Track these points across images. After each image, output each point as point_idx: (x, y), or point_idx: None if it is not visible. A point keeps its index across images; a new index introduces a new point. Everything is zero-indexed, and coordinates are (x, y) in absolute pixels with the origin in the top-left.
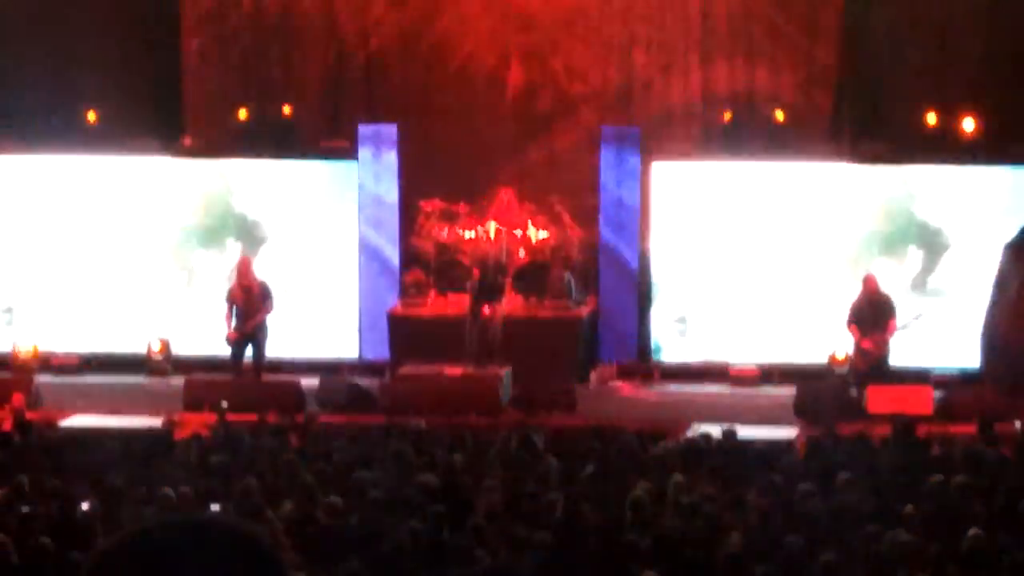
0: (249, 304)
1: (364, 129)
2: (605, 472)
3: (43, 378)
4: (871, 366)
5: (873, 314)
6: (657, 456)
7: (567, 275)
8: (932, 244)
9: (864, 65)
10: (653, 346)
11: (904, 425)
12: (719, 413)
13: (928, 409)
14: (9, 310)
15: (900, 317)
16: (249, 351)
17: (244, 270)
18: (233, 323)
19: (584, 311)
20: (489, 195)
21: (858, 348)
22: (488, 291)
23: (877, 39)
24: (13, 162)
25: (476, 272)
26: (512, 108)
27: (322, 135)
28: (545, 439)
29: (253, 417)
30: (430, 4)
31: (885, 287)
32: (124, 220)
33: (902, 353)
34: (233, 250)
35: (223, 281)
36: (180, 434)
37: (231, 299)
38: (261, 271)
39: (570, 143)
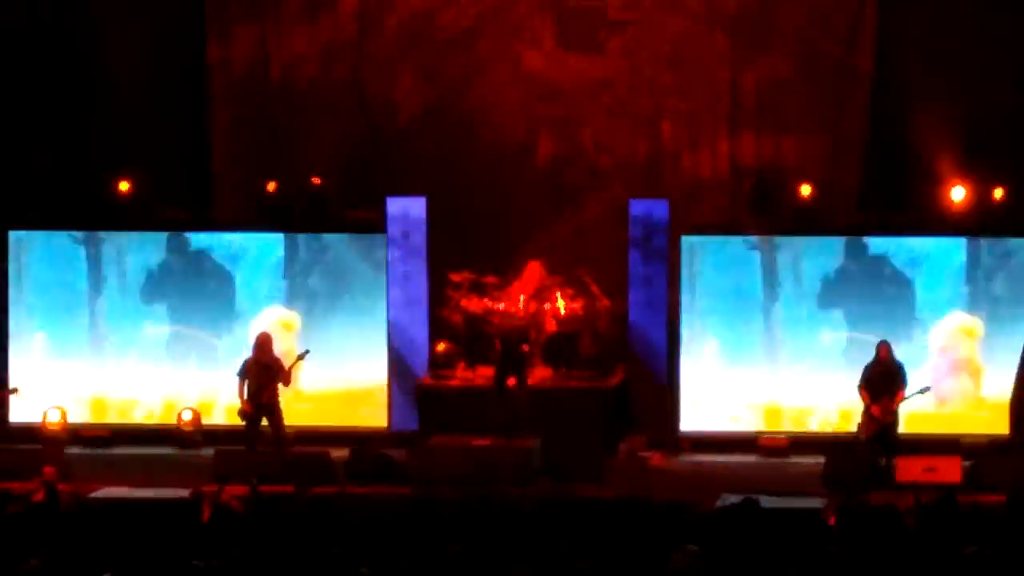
0: (263, 379)
1: (393, 202)
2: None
3: (73, 450)
4: (877, 433)
5: (883, 382)
6: (687, 525)
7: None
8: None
9: (893, 137)
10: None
11: (946, 494)
12: (748, 483)
13: (957, 478)
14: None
15: (908, 388)
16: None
17: (264, 345)
18: (247, 395)
19: (612, 382)
20: (518, 266)
21: (867, 412)
22: (514, 362)
23: (907, 111)
24: (43, 236)
25: (498, 344)
26: (541, 180)
27: (351, 207)
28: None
29: (283, 488)
30: (459, 76)
31: (897, 356)
32: (155, 291)
33: (930, 421)
34: (262, 320)
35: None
36: (209, 505)
37: (245, 372)
38: (294, 341)
39: (598, 215)
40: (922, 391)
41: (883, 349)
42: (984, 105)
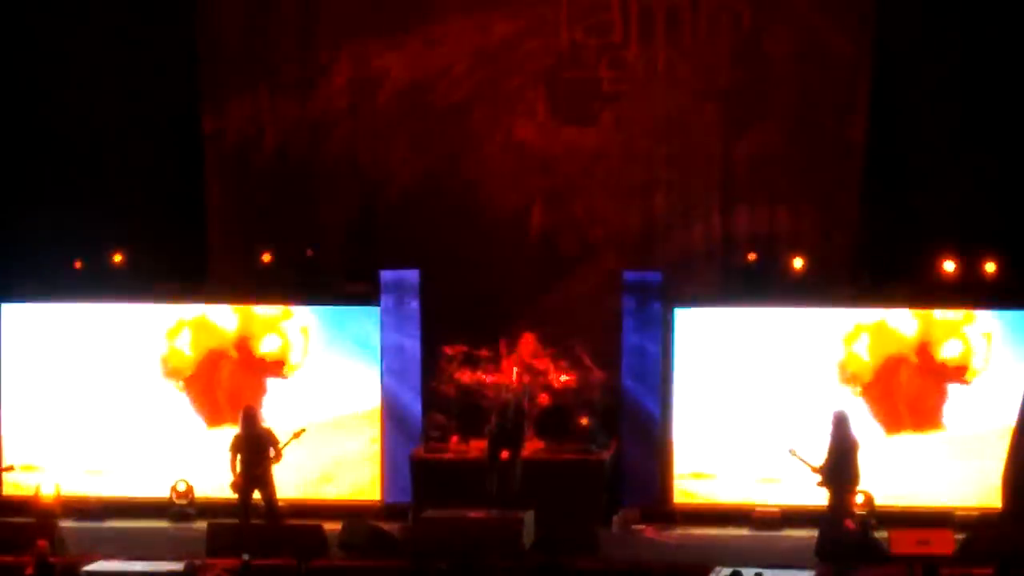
0: (254, 451)
1: (386, 274)
2: None
3: (66, 523)
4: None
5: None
6: None
7: (593, 421)
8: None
9: (885, 209)
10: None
11: (928, 568)
12: (742, 556)
13: (950, 550)
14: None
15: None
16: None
17: (250, 419)
18: (238, 469)
19: (606, 454)
20: (511, 339)
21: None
22: (507, 435)
23: (899, 183)
24: (36, 309)
25: (493, 417)
26: (534, 252)
27: (344, 279)
28: None
29: (276, 561)
30: (452, 148)
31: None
32: (147, 364)
33: (923, 494)
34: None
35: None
36: None
37: (235, 447)
38: (285, 413)
39: (592, 287)
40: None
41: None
42: (978, 178)
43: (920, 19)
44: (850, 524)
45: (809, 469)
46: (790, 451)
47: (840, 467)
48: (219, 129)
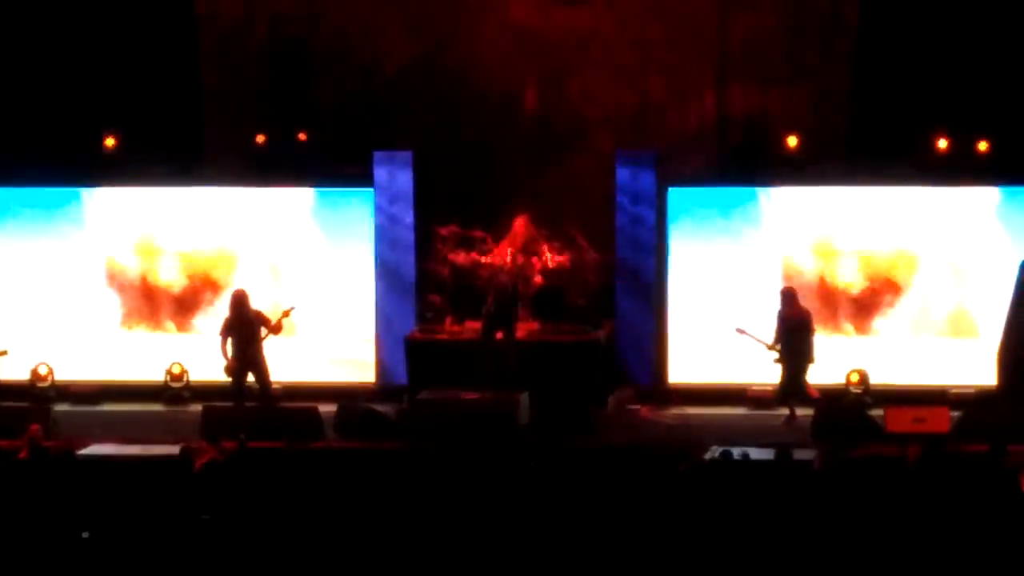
0: (245, 335)
1: (379, 155)
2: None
3: (61, 407)
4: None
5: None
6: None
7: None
8: (948, 265)
9: (879, 88)
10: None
11: (931, 444)
12: (736, 435)
13: (945, 428)
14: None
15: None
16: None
17: (240, 302)
18: (230, 353)
19: (601, 335)
20: (505, 219)
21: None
22: (502, 316)
23: (891, 62)
24: (31, 193)
25: (488, 297)
26: (527, 132)
27: (338, 162)
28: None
29: (271, 444)
30: (445, 30)
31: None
32: (141, 247)
33: (919, 373)
34: (250, 275)
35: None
36: (199, 461)
37: (226, 330)
38: (280, 296)
39: (585, 167)
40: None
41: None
42: (969, 56)
43: None
44: (813, 393)
45: (764, 346)
46: (738, 330)
47: (792, 342)
48: (212, 12)
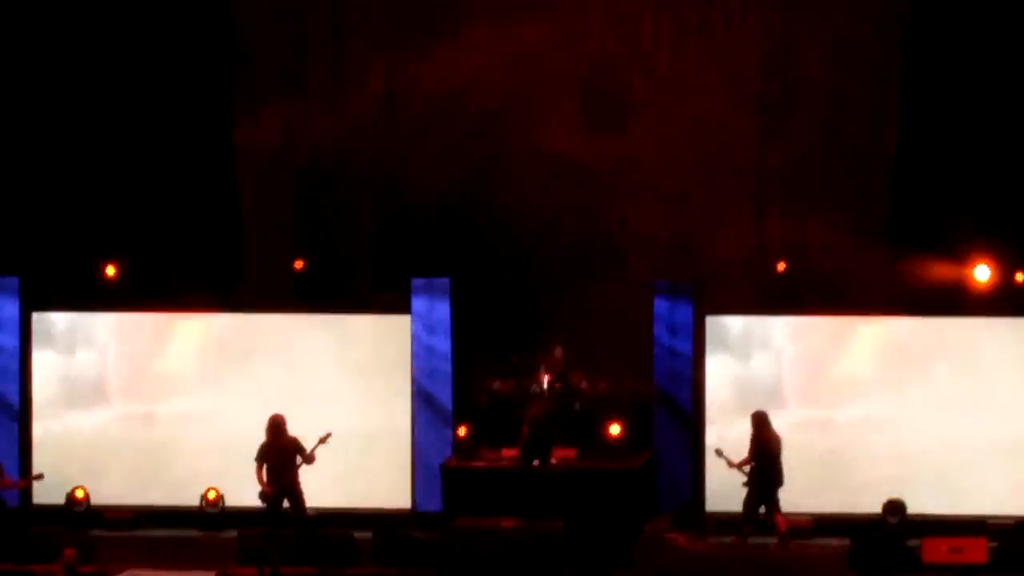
0: (281, 461)
1: (417, 282)
2: None
3: (96, 531)
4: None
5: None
6: None
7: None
8: (986, 394)
9: (917, 215)
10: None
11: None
12: (773, 565)
13: (983, 558)
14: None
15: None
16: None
17: (277, 428)
18: (266, 479)
19: (638, 463)
20: (543, 347)
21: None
22: (539, 444)
23: (930, 190)
24: (73, 318)
25: (525, 428)
26: (565, 260)
27: (376, 288)
28: None
29: (307, 570)
30: (486, 158)
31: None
32: (185, 372)
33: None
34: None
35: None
36: None
37: (262, 456)
38: (318, 422)
39: (623, 295)
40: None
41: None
42: (1008, 185)
43: (953, 26)
44: (782, 525)
45: (734, 467)
46: (716, 451)
47: (763, 467)
48: (250, 137)
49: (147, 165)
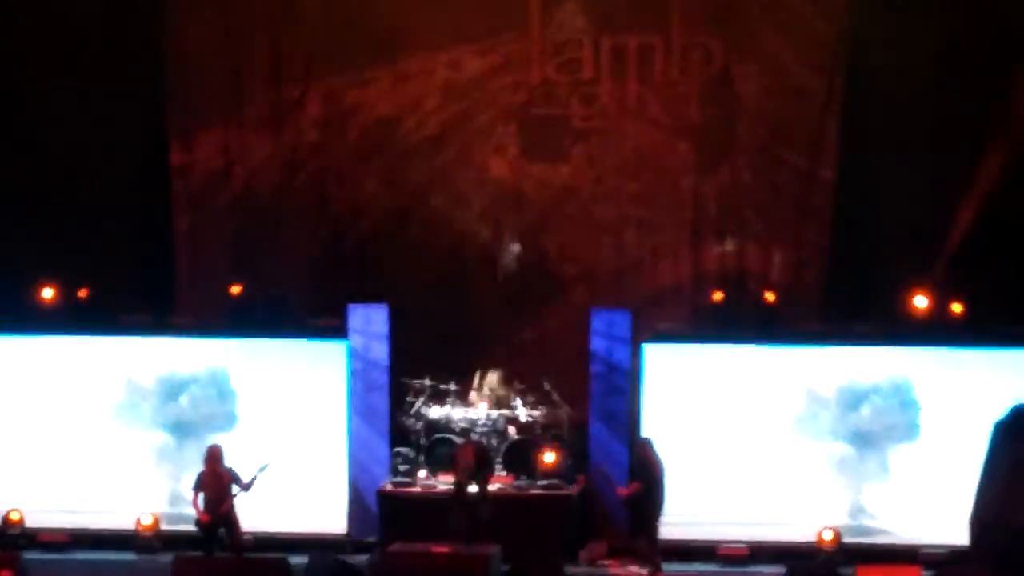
0: (218, 490)
1: (354, 308)
2: None
3: (30, 555)
4: None
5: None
6: None
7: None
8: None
9: (855, 246)
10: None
11: None
12: None
13: None
14: None
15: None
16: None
17: (214, 458)
18: (202, 507)
19: (574, 490)
20: (480, 373)
21: None
22: (475, 470)
23: (868, 220)
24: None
25: (463, 452)
26: (503, 287)
27: (313, 314)
28: None
29: None
30: (422, 183)
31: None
32: (117, 398)
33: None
34: (224, 428)
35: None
36: None
37: (200, 485)
38: (251, 448)
39: (561, 323)
40: (261, 470)
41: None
42: (947, 216)
43: (891, 55)
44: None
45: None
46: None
47: (645, 493)
48: (187, 162)
49: (82, 188)
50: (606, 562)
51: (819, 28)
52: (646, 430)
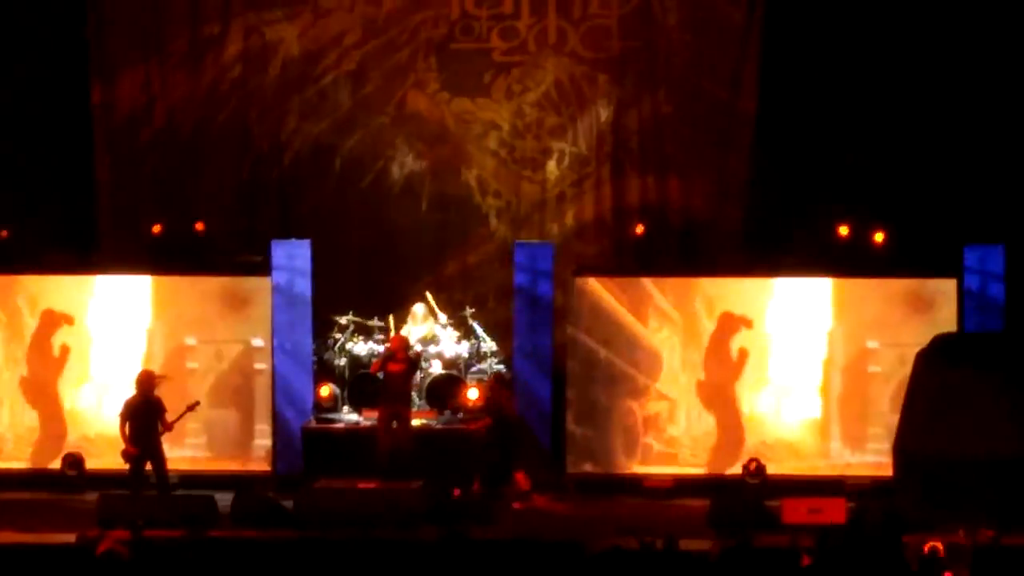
0: (147, 419)
1: (277, 244)
2: None
3: None
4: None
5: None
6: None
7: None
8: (843, 353)
9: (776, 177)
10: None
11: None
12: (634, 525)
13: (842, 519)
14: None
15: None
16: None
17: (146, 384)
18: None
19: (498, 423)
20: (403, 308)
21: None
22: (399, 405)
23: (789, 152)
24: None
25: (386, 386)
26: (425, 221)
27: (236, 250)
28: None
29: (168, 532)
30: (343, 119)
31: None
32: (38, 335)
33: (818, 463)
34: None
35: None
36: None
37: (127, 413)
38: (180, 387)
39: (484, 256)
40: (191, 408)
41: None
42: (866, 148)
43: None
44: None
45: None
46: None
47: (498, 429)
48: (108, 100)
49: (2, 127)
50: (531, 495)
51: None
52: (571, 363)
